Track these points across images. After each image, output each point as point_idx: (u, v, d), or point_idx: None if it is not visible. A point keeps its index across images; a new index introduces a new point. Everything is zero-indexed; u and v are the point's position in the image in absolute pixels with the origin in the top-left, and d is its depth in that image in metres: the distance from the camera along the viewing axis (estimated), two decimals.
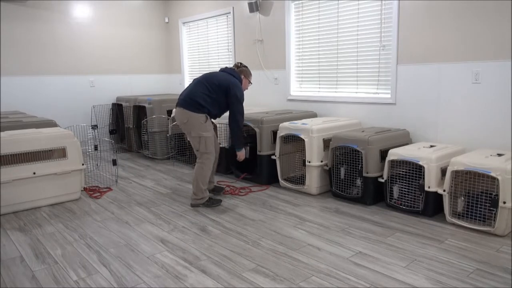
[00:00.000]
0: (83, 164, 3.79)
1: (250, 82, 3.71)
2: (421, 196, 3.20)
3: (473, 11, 3.37)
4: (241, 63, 3.67)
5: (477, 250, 2.62)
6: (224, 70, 3.56)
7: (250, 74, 3.69)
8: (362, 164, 3.45)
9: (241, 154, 3.64)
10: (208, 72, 3.55)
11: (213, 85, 3.41)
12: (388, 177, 3.37)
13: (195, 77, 3.54)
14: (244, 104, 5.88)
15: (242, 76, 3.62)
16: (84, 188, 4.16)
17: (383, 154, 3.48)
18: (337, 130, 3.89)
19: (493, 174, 2.78)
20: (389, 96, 4.04)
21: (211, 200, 3.57)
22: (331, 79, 4.59)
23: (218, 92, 3.41)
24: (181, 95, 3.47)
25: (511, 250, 2.61)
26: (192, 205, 3.56)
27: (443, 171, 3.15)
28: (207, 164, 3.47)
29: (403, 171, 3.38)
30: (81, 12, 6.15)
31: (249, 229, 3.05)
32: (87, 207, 3.64)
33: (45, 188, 3.62)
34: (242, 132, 3.56)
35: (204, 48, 6.42)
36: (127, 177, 4.71)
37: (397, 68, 3.92)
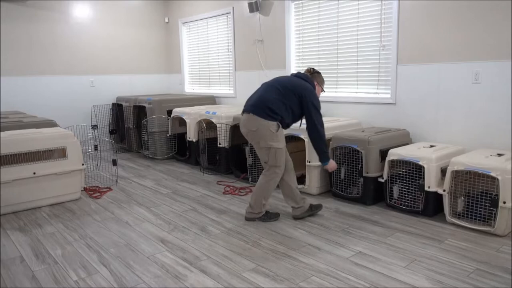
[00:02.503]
0: (83, 164, 3.79)
1: (323, 90, 3.26)
2: (421, 196, 3.20)
3: (473, 11, 3.37)
4: (313, 69, 3.22)
5: (477, 250, 2.62)
6: (296, 75, 3.13)
7: (323, 82, 3.25)
8: (362, 164, 3.44)
9: (330, 166, 3.17)
10: (278, 76, 3.15)
11: (287, 89, 2.98)
12: (388, 177, 3.37)
13: (265, 81, 3.17)
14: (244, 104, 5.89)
15: (315, 83, 3.16)
16: (84, 188, 4.16)
17: (383, 154, 3.47)
18: (337, 130, 3.88)
19: (493, 174, 2.78)
20: (389, 96, 4.04)
21: (268, 214, 3.22)
22: (331, 79, 4.59)
23: (292, 98, 2.97)
24: (248, 100, 3.09)
25: (511, 250, 2.61)
26: (247, 219, 3.22)
27: (443, 171, 3.15)
28: (274, 179, 3.09)
29: (403, 171, 3.38)
30: (81, 12, 6.15)
31: (249, 229, 3.05)
32: (87, 207, 3.64)
33: (45, 188, 3.62)
34: (326, 144, 3.11)
35: (204, 48, 6.42)
36: (127, 177, 4.71)
37: (397, 68, 3.92)
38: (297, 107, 2.99)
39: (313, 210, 3.27)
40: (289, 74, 3.19)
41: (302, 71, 3.23)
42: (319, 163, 3.74)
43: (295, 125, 3.24)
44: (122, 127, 6.35)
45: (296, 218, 3.23)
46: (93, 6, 6.27)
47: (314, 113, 2.98)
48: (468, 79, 3.46)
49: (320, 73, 3.24)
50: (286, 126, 3.07)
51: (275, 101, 2.95)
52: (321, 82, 3.23)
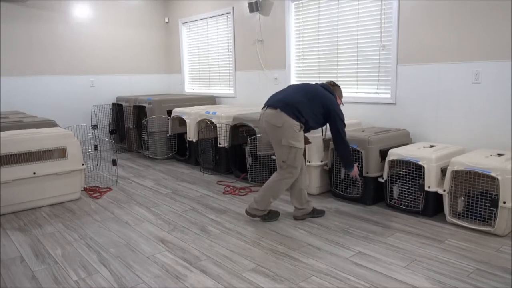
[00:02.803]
0: (83, 164, 3.79)
1: (341, 103, 3.28)
2: (421, 196, 3.20)
3: (473, 11, 3.37)
4: (334, 82, 3.28)
5: (477, 250, 2.62)
6: (322, 86, 3.16)
7: (342, 95, 3.33)
8: (362, 164, 3.44)
9: (355, 172, 3.23)
10: (305, 82, 3.15)
11: (315, 97, 3.01)
12: (388, 177, 3.37)
13: (291, 84, 3.16)
14: (244, 104, 5.92)
15: (336, 95, 3.21)
16: (84, 188, 4.16)
17: (383, 154, 3.47)
18: None
19: (493, 174, 2.78)
20: (389, 96, 4.04)
21: (270, 214, 3.20)
22: (331, 79, 4.59)
23: (318, 106, 3.01)
24: (274, 97, 3.09)
25: (511, 250, 2.61)
26: (249, 214, 3.17)
27: (443, 171, 3.14)
28: (288, 179, 3.06)
29: (403, 171, 3.38)
30: (81, 12, 6.15)
31: (249, 229, 3.05)
32: (87, 207, 3.64)
33: (45, 188, 3.62)
34: (351, 152, 3.19)
35: (204, 48, 6.42)
36: (127, 177, 4.71)
37: (397, 68, 3.92)
38: (321, 115, 3.03)
39: (315, 215, 3.27)
40: (314, 83, 3.21)
41: (322, 82, 3.28)
42: (319, 163, 3.74)
43: (318, 134, 3.31)
44: (122, 127, 6.35)
45: (296, 218, 3.23)
46: (93, 6, 6.27)
47: (339, 123, 3.04)
48: (468, 79, 3.46)
49: (340, 86, 3.33)
50: (308, 129, 3.09)
51: (303, 104, 2.97)
52: (340, 95, 3.29)
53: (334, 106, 3.03)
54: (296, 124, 2.95)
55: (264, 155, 4.15)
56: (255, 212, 3.15)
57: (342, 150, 3.12)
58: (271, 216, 3.20)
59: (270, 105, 3.02)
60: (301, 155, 3.06)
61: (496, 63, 3.28)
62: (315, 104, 3.00)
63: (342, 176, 3.63)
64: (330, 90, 3.14)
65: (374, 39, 4.10)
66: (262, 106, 3.11)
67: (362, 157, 3.43)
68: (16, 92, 5.70)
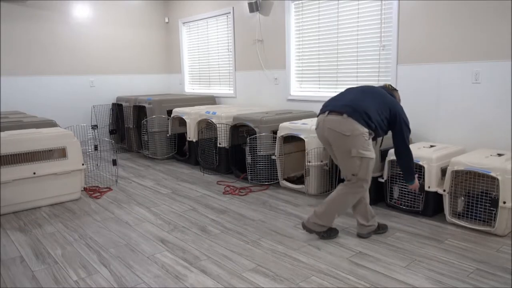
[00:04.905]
0: (83, 164, 3.79)
1: None
2: (421, 196, 3.20)
3: (473, 11, 3.37)
4: (392, 86, 2.97)
5: (477, 250, 2.62)
6: (385, 89, 2.85)
7: (400, 101, 2.98)
8: None
9: (415, 185, 2.89)
10: (366, 85, 2.86)
11: (382, 101, 2.66)
12: (388, 177, 3.37)
13: (350, 86, 2.75)
14: (244, 104, 5.92)
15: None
16: (84, 188, 4.16)
17: (383, 154, 3.47)
18: None
19: (493, 174, 2.78)
20: None
21: (329, 231, 2.82)
22: (331, 79, 4.59)
23: (386, 111, 2.66)
24: (336, 100, 2.71)
25: (511, 250, 2.61)
26: (307, 228, 2.82)
27: (443, 171, 3.14)
28: (358, 194, 2.72)
29: (398, 167, 3.38)
30: (81, 12, 6.15)
31: (249, 229, 3.05)
32: (87, 207, 3.64)
33: (45, 188, 3.62)
34: (414, 164, 2.84)
35: (204, 48, 6.42)
36: (127, 177, 4.71)
37: (397, 68, 3.92)
38: (387, 121, 2.69)
39: (380, 230, 2.93)
40: (377, 86, 2.91)
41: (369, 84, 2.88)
42: (319, 163, 3.74)
43: (374, 144, 2.90)
44: (122, 127, 6.35)
45: (361, 236, 2.86)
46: (93, 6, 6.27)
47: (406, 131, 2.69)
48: (468, 79, 3.46)
49: (398, 91, 3.02)
50: (374, 138, 2.73)
51: (372, 109, 2.60)
52: (399, 100, 2.94)
53: (401, 111, 2.68)
54: (366, 132, 2.58)
55: (264, 155, 4.15)
56: (314, 227, 2.78)
57: (407, 162, 2.76)
58: (330, 233, 2.82)
59: (334, 110, 2.62)
60: (373, 166, 2.72)
61: (496, 63, 3.28)
62: (384, 110, 2.65)
63: (342, 176, 3.63)
64: (392, 94, 2.84)
65: (374, 39, 4.10)
66: (320, 111, 2.76)
67: None
68: (16, 92, 5.70)
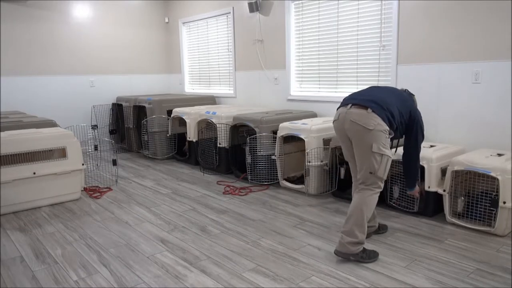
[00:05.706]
0: (83, 164, 3.79)
1: None
2: (421, 196, 3.19)
3: (473, 11, 3.37)
4: (408, 90, 2.89)
5: (477, 250, 2.62)
6: (405, 92, 2.79)
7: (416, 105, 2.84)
8: None
9: (415, 192, 2.89)
10: (388, 86, 2.78)
11: (404, 103, 2.60)
12: (388, 177, 3.37)
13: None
14: (244, 104, 5.92)
15: None
16: (84, 188, 4.16)
17: None
18: None
19: (493, 174, 2.78)
20: None
21: (366, 252, 2.53)
22: (331, 79, 4.59)
23: (406, 113, 2.61)
24: (359, 95, 2.61)
25: (511, 250, 2.61)
26: (340, 254, 2.50)
27: (443, 171, 3.15)
28: (377, 194, 2.57)
29: (403, 171, 3.38)
30: (81, 12, 6.15)
31: (249, 229, 3.05)
32: (87, 207, 3.64)
33: (45, 188, 3.62)
34: (419, 171, 2.83)
35: (204, 48, 6.42)
36: (127, 177, 4.71)
37: (397, 68, 3.92)
38: (405, 125, 2.63)
39: (380, 231, 2.92)
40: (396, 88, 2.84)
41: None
42: (319, 163, 3.74)
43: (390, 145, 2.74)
44: (122, 127, 6.35)
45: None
46: (93, 6, 6.27)
47: (420, 138, 2.66)
48: (468, 79, 3.46)
49: (415, 95, 2.95)
50: (392, 138, 2.64)
51: (395, 107, 2.53)
52: (416, 105, 2.81)
53: (419, 117, 2.64)
54: (387, 129, 2.49)
55: (264, 155, 4.15)
56: (350, 249, 2.48)
57: (413, 169, 2.75)
58: (370, 254, 2.53)
59: (357, 104, 2.51)
60: (389, 166, 2.59)
61: (496, 63, 3.28)
62: (403, 112, 2.59)
63: (342, 176, 3.63)
64: (412, 99, 2.75)
65: (374, 39, 4.10)
66: (342, 104, 2.65)
67: None
68: (16, 92, 5.70)
